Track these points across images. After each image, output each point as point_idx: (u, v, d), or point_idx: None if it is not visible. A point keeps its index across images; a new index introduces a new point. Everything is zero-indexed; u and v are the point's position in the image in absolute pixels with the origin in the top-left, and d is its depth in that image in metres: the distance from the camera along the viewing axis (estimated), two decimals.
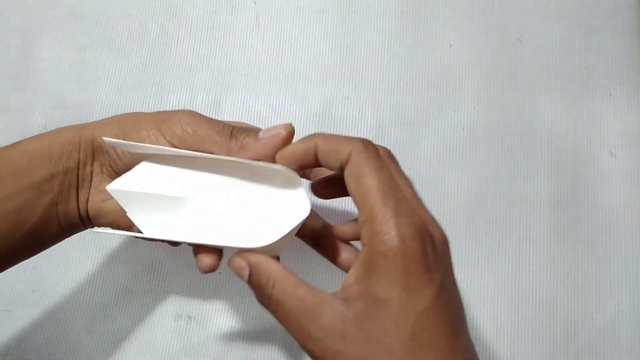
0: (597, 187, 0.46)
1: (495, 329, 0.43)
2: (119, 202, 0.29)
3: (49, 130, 0.30)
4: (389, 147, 0.47)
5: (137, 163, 0.29)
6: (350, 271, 0.24)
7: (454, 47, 0.49)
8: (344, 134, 0.47)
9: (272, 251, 0.27)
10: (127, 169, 0.29)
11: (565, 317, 0.43)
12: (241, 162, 0.28)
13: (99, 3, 0.50)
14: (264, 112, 0.47)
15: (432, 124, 0.47)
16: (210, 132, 0.28)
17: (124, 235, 0.29)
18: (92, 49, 0.49)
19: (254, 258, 0.26)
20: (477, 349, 0.42)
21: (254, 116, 0.47)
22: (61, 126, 0.30)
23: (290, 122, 0.28)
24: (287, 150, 0.27)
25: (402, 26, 0.49)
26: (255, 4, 0.50)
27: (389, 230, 0.22)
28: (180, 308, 0.43)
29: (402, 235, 0.22)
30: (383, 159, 0.24)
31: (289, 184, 0.28)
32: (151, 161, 0.29)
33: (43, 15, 0.50)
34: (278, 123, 0.46)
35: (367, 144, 0.24)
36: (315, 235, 0.31)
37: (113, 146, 0.29)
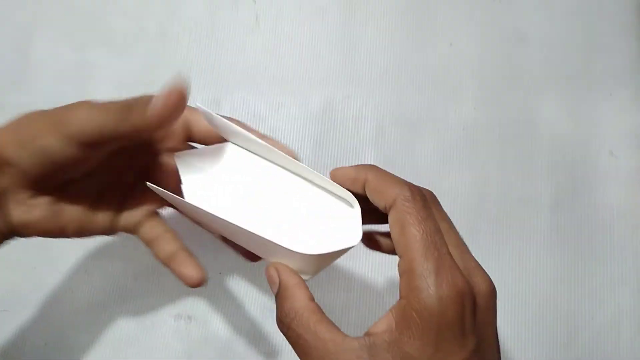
0: (597, 187, 0.46)
1: None
2: (179, 167, 0.29)
3: None
4: (389, 147, 0.47)
5: (50, 167, 0.27)
6: (382, 319, 0.23)
7: (454, 47, 0.49)
8: (344, 134, 0.47)
9: (308, 267, 0.26)
10: (45, 176, 0.27)
11: (565, 317, 0.43)
12: (312, 172, 0.28)
13: (97, 2, 0.50)
14: (264, 112, 0.47)
15: (432, 123, 0.47)
16: (106, 121, 0.25)
17: (172, 197, 0.28)
18: (91, 48, 0.49)
19: (286, 277, 0.25)
20: None
21: (254, 116, 0.47)
22: None
23: (182, 84, 0.25)
24: (340, 171, 0.27)
25: (402, 26, 0.49)
26: (255, 3, 0.50)
27: (428, 288, 0.21)
28: (180, 308, 0.43)
29: (441, 297, 0.21)
30: (429, 208, 0.24)
31: (347, 207, 0.28)
32: (234, 142, 0.30)
33: (42, 15, 0.50)
34: (278, 123, 0.47)
35: (414, 190, 0.24)
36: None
37: (21, 155, 0.26)
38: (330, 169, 0.29)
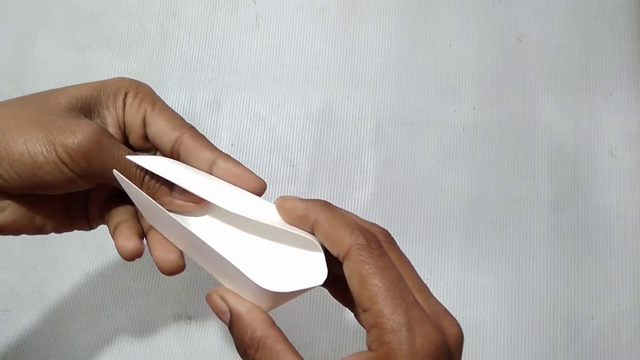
0: (597, 187, 0.46)
1: (495, 329, 0.43)
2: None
3: None
4: (389, 147, 0.47)
5: (32, 183, 0.25)
6: None
7: (454, 47, 0.49)
8: (344, 134, 0.47)
9: (264, 302, 0.24)
10: (23, 190, 0.25)
11: (565, 317, 0.43)
12: (267, 224, 0.25)
13: (98, 3, 0.50)
14: (264, 112, 0.47)
15: (432, 124, 0.47)
16: (111, 164, 0.25)
17: (135, 192, 0.26)
18: (91, 49, 0.49)
19: (237, 305, 0.23)
20: (476, 349, 0.42)
21: (254, 116, 0.47)
22: None
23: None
24: (288, 203, 0.25)
25: (402, 26, 0.49)
26: (255, 3, 0.50)
27: (400, 344, 0.20)
28: (180, 308, 0.43)
29: (415, 353, 0.20)
30: (386, 254, 0.22)
31: (309, 247, 0.26)
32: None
33: (43, 16, 0.50)
34: (278, 123, 0.47)
35: (368, 236, 0.22)
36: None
37: (2, 166, 0.24)
38: (278, 197, 0.26)
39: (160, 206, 0.25)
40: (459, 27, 0.49)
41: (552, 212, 0.45)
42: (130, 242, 0.27)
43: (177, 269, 0.26)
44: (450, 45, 0.49)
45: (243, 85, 0.48)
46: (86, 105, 0.27)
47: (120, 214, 0.29)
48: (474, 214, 0.45)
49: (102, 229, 0.43)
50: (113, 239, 0.28)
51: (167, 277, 0.43)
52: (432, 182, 0.46)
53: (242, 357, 0.23)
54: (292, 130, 0.47)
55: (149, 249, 0.28)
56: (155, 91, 0.31)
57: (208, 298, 0.24)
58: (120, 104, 0.28)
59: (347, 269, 0.22)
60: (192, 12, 0.50)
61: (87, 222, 0.30)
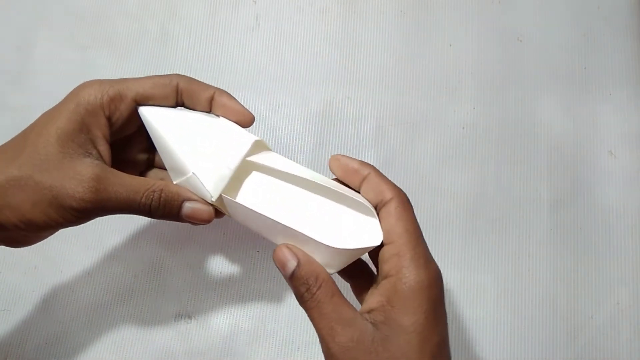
0: (597, 187, 0.46)
1: (495, 329, 0.43)
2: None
3: None
4: (389, 147, 0.47)
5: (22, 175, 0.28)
6: (371, 297, 0.27)
7: (454, 47, 0.49)
8: (344, 134, 0.47)
9: (333, 262, 0.28)
10: (40, 234, 0.30)
11: (565, 317, 0.43)
12: (326, 186, 0.29)
13: (99, 3, 0.50)
14: (264, 112, 0.47)
15: (432, 124, 0.47)
16: (124, 202, 0.29)
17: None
18: (92, 48, 0.49)
19: (304, 256, 0.28)
20: (477, 348, 0.42)
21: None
22: None
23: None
24: (344, 160, 0.30)
25: (402, 26, 0.49)
26: (255, 4, 0.50)
27: (419, 267, 0.26)
28: (180, 308, 0.43)
29: (429, 275, 0.26)
30: (413, 211, 0.28)
31: (364, 212, 0.30)
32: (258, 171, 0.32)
33: (43, 16, 0.50)
34: (278, 123, 0.47)
35: (405, 196, 0.28)
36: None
37: (19, 227, 0.28)
38: (331, 155, 0.30)
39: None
40: (459, 28, 0.49)
41: (552, 211, 0.45)
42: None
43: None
44: (450, 46, 0.49)
45: (243, 85, 0.48)
46: (72, 144, 0.28)
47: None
48: (473, 214, 0.45)
49: (102, 229, 0.43)
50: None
51: (168, 276, 0.44)
52: (431, 182, 0.46)
53: (300, 297, 0.27)
54: (292, 130, 0.47)
55: None
56: None
57: (278, 250, 0.28)
58: (102, 121, 0.30)
59: (386, 210, 0.28)
60: (192, 12, 0.50)
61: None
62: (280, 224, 0.28)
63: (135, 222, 0.45)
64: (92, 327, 0.42)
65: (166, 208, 0.30)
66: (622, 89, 0.48)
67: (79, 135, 0.28)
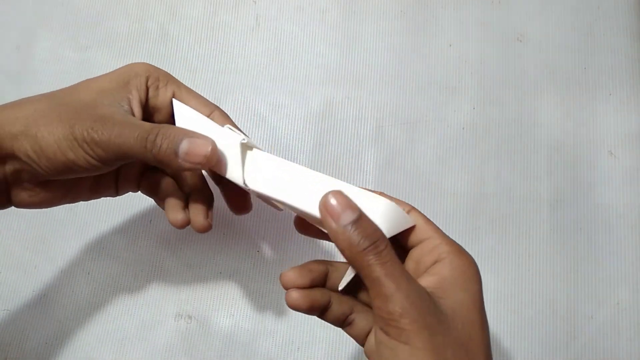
0: (597, 187, 0.46)
1: (495, 328, 0.43)
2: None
3: None
4: (389, 147, 0.47)
5: (63, 169, 0.28)
6: (423, 280, 0.26)
7: (454, 47, 0.49)
8: (344, 134, 0.47)
9: (386, 222, 0.26)
10: (53, 173, 0.29)
11: (565, 317, 0.43)
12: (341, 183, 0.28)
13: (99, 3, 0.50)
14: (264, 112, 0.47)
15: (432, 124, 0.47)
16: (126, 141, 0.28)
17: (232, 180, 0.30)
18: (92, 49, 0.49)
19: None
20: None
21: (254, 116, 0.47)
22: None
23: (213, 138, 0.29)
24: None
25: (402, 26, 0.49)
26: (255, 4, 0.50)
27: (464, 255, 0.27)
28: (180, 308, 0.43)
29: (474, 263, 0.27)
30: None
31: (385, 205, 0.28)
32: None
33: (43, 16, 0.50)
34: (278, 123, 0.47)
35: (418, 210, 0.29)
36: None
37: (30, 156, 0.28)
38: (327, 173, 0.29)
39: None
40: (459, 27, 0.49)
41: (552, 211, 0.45)
42: (178, 215, 0.32)
43: (207, 229, 0.33)
44: (450, 45, 0.49)
45: (243, 85, 0.48)
46: (109, 95, 0.29)
47: (165, 188, 0.34)
48: (473, 214, 0.45)
49: (103, 229, 0.44)
50: (165, 211, 0.33)
51: (167, 277, 0.44)
52: (432, 182, 0.46)
53: (364, 249, 0.25)
54: (292, 130, 0.47)
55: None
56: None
57: (332, 194, 0.25)
58: (143, 87, 0.31)
59: (413, 215, 0.28)
60: (193, 12, 0.50)
61: (116, 190, 0.34)
62: (325, 176, 0.26)
63: (135, 222, 0.45)
64: (92, 327, 0.42)
65: (163, 144, 0.28)
66: (622, 89, 0.48)
67: (118, 91, 0.30)
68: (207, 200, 0.34)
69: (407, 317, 0.23)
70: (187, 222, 0.33)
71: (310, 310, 0.29)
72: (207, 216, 0.33)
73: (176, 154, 0.28)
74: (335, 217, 0.25)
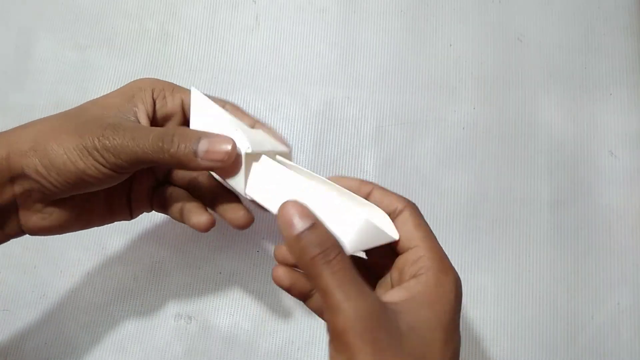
0: (597, 187, 0.46)
1: (495, 329, 0.43)
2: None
3: None
4: (389, 147, 0.47)
5: (70, 185, 0.28)
6: (392, 293, 0.26)
7: (454, 47, 0.49)
8: (344, 133, 0.47)
9: (351, 239, 0.26)
10: (68, 193, 0.29)
11: (565, 317, 0.43)
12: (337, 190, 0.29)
13: (98, 3, 0.50)
14: (264, 112, 0.47)
15: (432, 124, 0.47)
16: (140, 143, 0.28)
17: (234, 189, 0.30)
18: (92, 48, 0.49)
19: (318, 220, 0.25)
20: (477, 348, 0.42)
21: (254, 115, 0.47)
22: None
23: (234, 138, 0.29)
24: (343, 181, 0.30)
25: (402, 26, 0.49)
26: (255, 3, 0.50)
27: (447, 270, 0.27)
28: (180, 308, 0.43)
29: (455, 279, 0.27)
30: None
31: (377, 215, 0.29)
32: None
33: (43, 16, 0.50)
34: (278, 123, 0.47)
35: (415, 205, 0.29)
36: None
37: (39, 172, 0.27)
38: (329, 175, 0.30)
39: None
40: (459, 27, 0.49)
41: (552, 211, 0.45)
42: (202, 217, 0.32)
43: (250, 221, 0.32)
44: (450, 45, 0.49)
45: (243, 85, 0.48)
46: (115, 109, 0.30)
47: (178, 198, 0.34)
48: (473, 214, 0.45)
49: (102, 229, 0.44)
50: (184, 220, 0.33)
51: (167, 277, 0.44)
52: (432, 182, 0.46)
53: (313, 257, 0.24)
54: (292, 130, 0.47)
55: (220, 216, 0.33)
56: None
57: (289, 204, 0.25)
58: (149, 99, 0.31)
59: (402, 220, 0.28)
60: (192, 11, 0.50)
61: (129, 212, 0.34)
62: (321, 188, 0.27)
63: (135, 222, 0.45)
64: (92, 327, 0.42)
65: (181, 144, 0.28)
66: (622, 89, 0.48)
67: (123, 105, 0.30)
68: (236, 196, 0.33)
69: (351, 331, 0.22)
70: (213, 222, 0.32)
71: (290, 289, 0.29)
72: (247, 209, 0.33)
73: (195, 153, 0.28)
74: (288, 225, 0.24)
